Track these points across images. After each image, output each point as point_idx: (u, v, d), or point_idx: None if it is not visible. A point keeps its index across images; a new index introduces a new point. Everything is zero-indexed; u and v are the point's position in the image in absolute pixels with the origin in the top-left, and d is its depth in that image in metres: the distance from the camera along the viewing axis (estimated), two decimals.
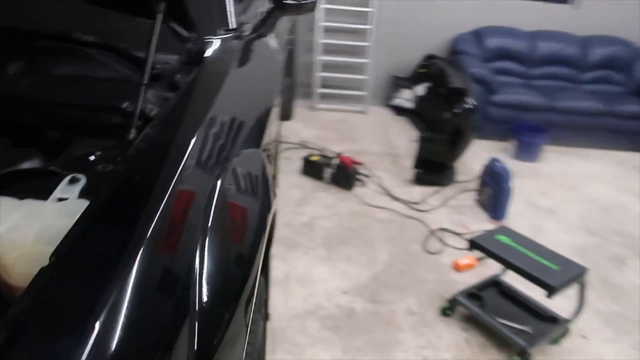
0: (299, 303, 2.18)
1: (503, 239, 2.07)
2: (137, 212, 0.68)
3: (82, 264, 0.60)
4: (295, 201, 3.00)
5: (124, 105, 0.97)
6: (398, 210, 2.98)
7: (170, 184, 0.75)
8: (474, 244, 2.05)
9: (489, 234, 2.13)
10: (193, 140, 0.87)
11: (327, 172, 3.21)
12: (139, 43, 1.17)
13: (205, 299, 0.68)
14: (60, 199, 0.77)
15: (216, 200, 0.82)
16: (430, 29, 4.52)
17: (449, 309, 2.14)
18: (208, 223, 0.77)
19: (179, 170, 0.79)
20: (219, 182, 0.87)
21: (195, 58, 1.20)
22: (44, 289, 0.55)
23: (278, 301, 2.17)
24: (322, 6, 4.26)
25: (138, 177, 0.75)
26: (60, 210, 0.72)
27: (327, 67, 4.47)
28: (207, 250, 0.73)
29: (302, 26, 4.29)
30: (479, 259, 2.49)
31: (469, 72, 3.95)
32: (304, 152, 3.49)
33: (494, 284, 2.23)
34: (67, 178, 0.79)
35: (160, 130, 0.88)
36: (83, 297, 0.56)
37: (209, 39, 1.34)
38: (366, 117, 4.48)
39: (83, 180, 0.80)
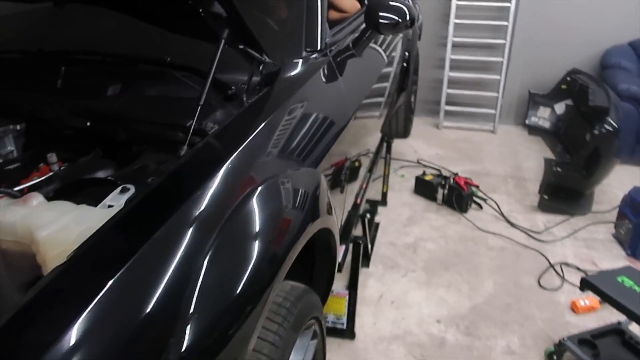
0: (388, 326, 2.13)
1: (626, 281, 1.78)
2: (151, 221, 0.75)
3: (85, 267, 0.68)
4: (403, 221, 2.94)
5: (188, 123, 1.07)
6: (514, 239, 2.74)
7: (192, 197, 0.81)
8: (586, 284, 1.80)
9: (609, 273, 1.85)
10: (233, 156, 0.93)
11: (441, 193, 3.08)
12: (224, 65, 1.28)
13: (200, 304, 0.72)
14: (110, 206, 0.87)
15: (239, 213, 0.87)
16: (576, 41, 4.09)
17: (555, 354, 1.90)
18: (222, 233, 0.82)
19: (206, 185, 0.85)
20: (251, 197, 0.91)
21: (269, 79, 1.27)
22: (46, 285, 0.64)
23: (367, 321, 2.14)
24: (452, 21, 4.13)
25: (162, 190, 0.83)
26: (105, 216, 0.82)
27: (455, 83, 4.31)
28: (214, 258, 0.77)
29: (430, 41, 4.20)
30: (603, 302, 2.17)
31: (619, 88, 3.48)
32: (420, 171, 3.41)
33: (616, 332, 1.92)
34: (119, 188, 0.90)
35: (203, 148, 0.95)
36: (73, 297, 0.63)
37: (293, 59, 1.40)
38: (494, 137, 4.21)
39: (132, 190, 0.90)
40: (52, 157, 1.06)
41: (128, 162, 1.07)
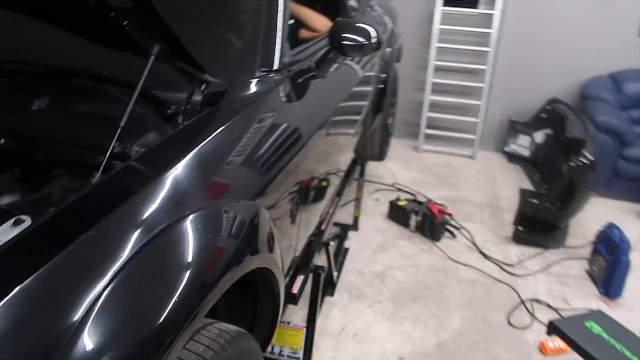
0: None
1: (594, 327, 1.69)
2: (32, 259, 0.67)
3: None
4: (374, 247, 2.84)
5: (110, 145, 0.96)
6: (486, 271, 2.65)
7: (90, 231, 0.72)
8: (554, 329, 1.71)
9: (577, 318, 1.76)
10: (149, 185, 0.83)
11: (414, 219, 2.99)
12: (169, 83, 1.18)
13: (87, 350, 0.64)
14: None
15: (150, 249, 0.77)
16: (557, 71, 4.08)
17: None
18: (124, 272, 0.72)
19: (110, 217, 0.75)
20: (168, 232, 0.81)
21: (213, 99, 1.17)
22: None
23: (325, 356, 2.03)
24: (434, 45, 4.09)
25: (55, 222, 0.73)
26: None
27: (436, 107, 4.26)
28: (109, 298, 0.69)
29: (411, 64, 4.16)
30: None
31: (597, 120, 3.45)
32: (394, 195, 3.32)
33: None
34: (12, 220, 0.79)
35: (119, 174, 0.85)
36: None
37: (244, 79, 1.31)
38: (473, 163, 4.15)
39: (27, 222, 0.78)
40: None
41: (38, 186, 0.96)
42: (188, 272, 0.83)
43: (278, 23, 1.42)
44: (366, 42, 1.58)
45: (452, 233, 2.98)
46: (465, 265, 2.69)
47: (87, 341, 0.66)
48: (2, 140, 1.01)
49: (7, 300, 0.61)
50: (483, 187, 3.69)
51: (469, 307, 2.37)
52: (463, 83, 4.17)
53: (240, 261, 0.96)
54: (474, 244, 2.88)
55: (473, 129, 4.21)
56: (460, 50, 4.09)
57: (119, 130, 0.93)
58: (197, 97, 1.14)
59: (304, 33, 2.13)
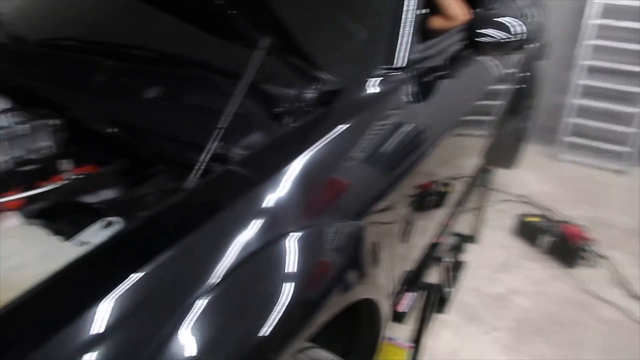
0: None
1: None
2: (114, 272, 0.61)
3: (18, 323, 0.57)
4: (495, 265, 2.55)
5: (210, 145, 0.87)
6: (633, 314, 2.23)
7: (183, 240, 0.65)
8: None
9: None
10: (249, 195, 0.73)
11: (544, 240, 2.63)
12: (281, 78, 1.08)
13: None
14: (85, 243, 0.71)
15: (244, 270, 0.68)
16: None
17: None
18: (212, 290, 0.66)
19: (206, 226, 0.67)
20: (267, 250, 0.71)
21: (326, 99, 1.04)
22: None
23: None
24: (587, 42, 3.59)
25: (145, 229, 0.66)
26: (72, 257, 0.65)
27: (582, 112, 3.75)
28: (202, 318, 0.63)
29: (552, 62, 3.68)
30: None
31: None
32: (524, 208, 2.97)
33: None
34: (103, 221, 0.73)
35: (215, 180, 0.75)
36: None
37: (363, 77, 1.16)
38: (624, 180, 3.58)
39: (117, 225, 0.72)
40: (63, 165, 0.92)
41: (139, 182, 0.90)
42: (290, 291, 0.73)
43: (407, 13, 1.24)
44: (507, 40, 1.35)
45: (591, 261, 2.56)
46: (607, 302, 2.29)
47: (180, 350, 0.61)
48: (115, 129, 0.98)
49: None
50: (635, 210, 3.15)
51: (607, 355, 2.00)
52: (617, 87, 3.60)
53: (343, 289, 0.83)
54: (620, 278, 2.45)
55: (626, 140, 3.63)
56: (617, 49, 3.53)
57: (219, 131, 0.83)
58: (309, 96, 1.01)
59: (437, 22, 1.92)
